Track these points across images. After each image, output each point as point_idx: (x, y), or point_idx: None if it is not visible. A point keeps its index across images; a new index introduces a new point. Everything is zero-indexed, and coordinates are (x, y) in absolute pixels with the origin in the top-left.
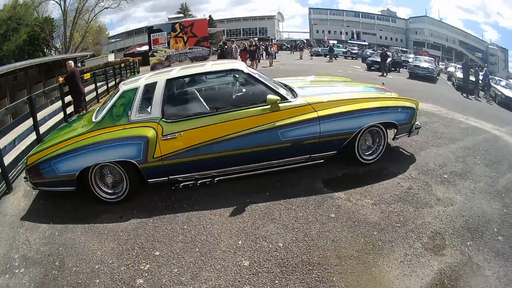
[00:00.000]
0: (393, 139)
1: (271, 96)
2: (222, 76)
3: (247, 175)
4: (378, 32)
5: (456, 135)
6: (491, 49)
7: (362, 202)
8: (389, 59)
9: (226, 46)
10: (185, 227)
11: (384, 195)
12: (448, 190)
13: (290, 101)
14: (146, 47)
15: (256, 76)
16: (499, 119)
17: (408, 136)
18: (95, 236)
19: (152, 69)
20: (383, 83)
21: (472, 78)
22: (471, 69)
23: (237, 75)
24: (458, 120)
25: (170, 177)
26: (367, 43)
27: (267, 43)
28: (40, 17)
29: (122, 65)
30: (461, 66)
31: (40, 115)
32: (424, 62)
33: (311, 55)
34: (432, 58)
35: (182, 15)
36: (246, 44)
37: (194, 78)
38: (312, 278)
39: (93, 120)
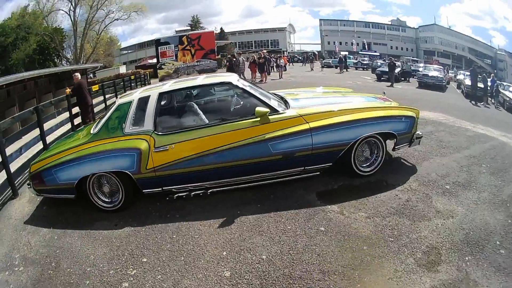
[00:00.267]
0: (393, 149)
1: (259, 109)
2: (214, 89)
3: (241, 187)
4: (389, 42)
5: (462, 143)
6: (499, 55)
7: (356, 215)
8: (398, 69)
9: (234, 59)
10: (174, 236)
11: (379, 208)
12: (449, 202)
13: (280, 113)
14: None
15: (247, 88)
16: (508, 125)
17: (409, 146)
18: (90, 241)
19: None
20: (384, 93)
21: (480, 84)
22: (479, 76)
23: (228, 88)
24: (465, 128)
25: (164, 188)
26: (378, 54)
27: (278, 55)
28: (49, 27)
29: (132, 77)
30: (469, 73)
31: (47, 125)
32: (433, 71)
33: (322, 67)
34: (441, 67)
35: (189, 28)
36: (255, 57)
37: (187, 92)
38: None
39: (91, 131)
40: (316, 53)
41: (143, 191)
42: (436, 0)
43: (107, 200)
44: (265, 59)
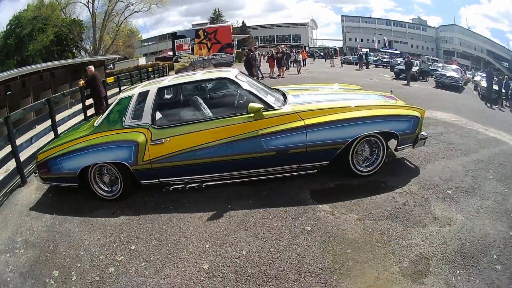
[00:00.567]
0: (395, 150)
1: (252, 104)
2: (212, 84)
3: (237, 181)
4: (409, 40)
5: (471, 146)
6: None
7: (346, 216)
8: (415, 68)
9: (251, 53)
10: (164, 226)
11: (373, 210)
12: (449, 208)
13: (275, 109)
14: None
15: (245, 84)
16: None
17: (413, 147)
18: (87, 228)
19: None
20: (391, 91)
21: (495, 87)
22: (495, 78)
23: (226, 83)
24: (477, 130)
25: (160, 179)
26: (399, 52)
27: (298, 50)
28: (67, 18)
29: (150, 69)
30: (485, 75)
31: (60, 116)
32: (451, 71)
33: (342, 63)
34: (459, 67)
35: (208, 22)
36: (273, 51)
37: (186, 87)
38: None
39: (95, 124)
40: (338, 49)
41: (141, 182)
42: (456, 1)
43: (107, 189)
44: (283, 53)
